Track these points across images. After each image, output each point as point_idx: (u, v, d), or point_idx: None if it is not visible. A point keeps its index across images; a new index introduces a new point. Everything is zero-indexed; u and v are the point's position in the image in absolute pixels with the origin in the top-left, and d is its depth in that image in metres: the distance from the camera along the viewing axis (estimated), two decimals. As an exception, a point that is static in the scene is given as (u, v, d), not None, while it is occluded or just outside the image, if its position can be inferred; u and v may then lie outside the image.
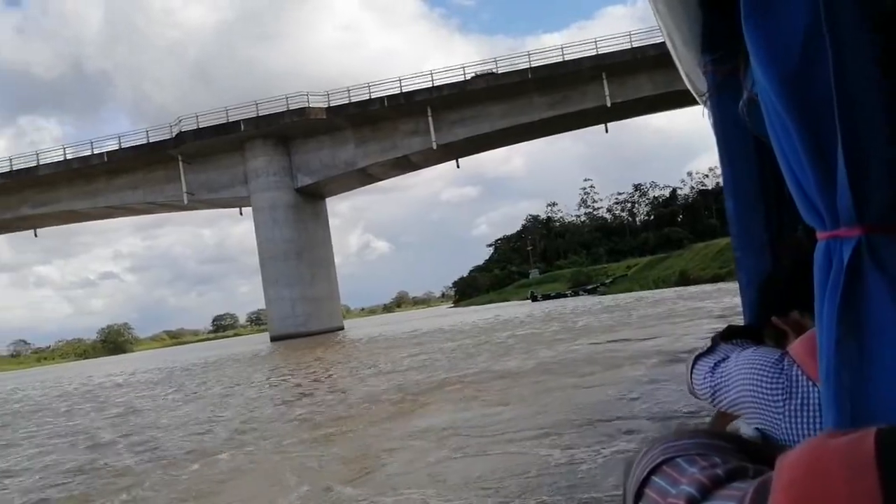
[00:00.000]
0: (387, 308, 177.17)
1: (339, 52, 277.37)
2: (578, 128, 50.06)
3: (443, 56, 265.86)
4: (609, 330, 16.53)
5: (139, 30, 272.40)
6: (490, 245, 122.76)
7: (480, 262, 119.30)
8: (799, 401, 0.98)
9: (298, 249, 44.98)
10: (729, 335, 1.34)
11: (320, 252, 47.92)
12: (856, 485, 0.38)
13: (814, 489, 0.39)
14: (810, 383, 0.97)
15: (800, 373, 0.99)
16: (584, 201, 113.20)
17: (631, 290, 49.66)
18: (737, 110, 1.83)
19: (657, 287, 46.98)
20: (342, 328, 49.30)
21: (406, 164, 48.34)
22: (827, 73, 0.57)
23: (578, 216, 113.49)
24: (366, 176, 48.06)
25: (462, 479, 4.98)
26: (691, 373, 1.31)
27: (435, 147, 44.02)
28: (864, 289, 0.59)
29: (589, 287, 63.33)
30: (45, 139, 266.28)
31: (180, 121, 45.23)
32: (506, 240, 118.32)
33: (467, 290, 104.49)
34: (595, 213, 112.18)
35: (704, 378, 1.23)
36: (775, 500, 0.41)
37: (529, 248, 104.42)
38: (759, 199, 2.05)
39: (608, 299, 39.96)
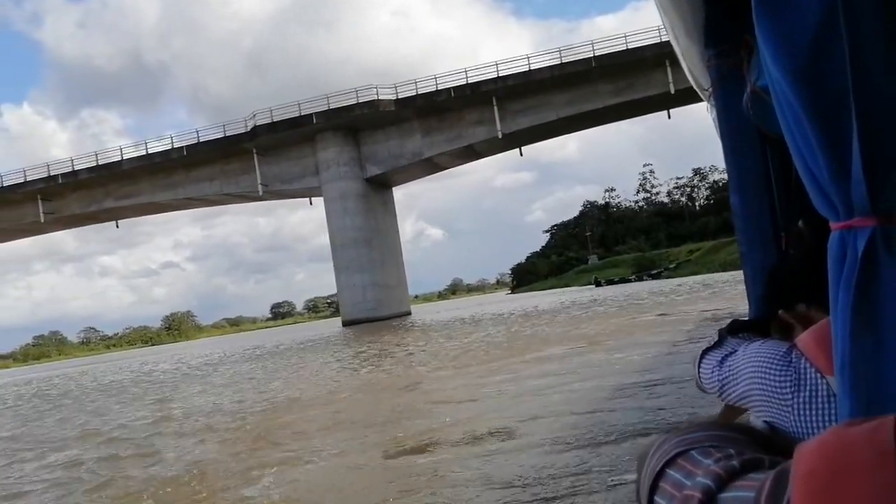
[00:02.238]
0: (441, 295, 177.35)
1: (392, 38, 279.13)
2: (642, 114, 50.30)
3: (496, 41, 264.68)
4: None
5: (195, 20, 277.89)
6: (546, 231, 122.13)
7: (535, 248, 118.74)
8: (807, 393, 0.98)
9: (368, 237, 46.32)
10: (735, 329, 1.35)
11: (388, 240, 49.36)
12: (877, 472, 0.38)
13: (834, 477, 0.39)
14: (818, 375, 0.97)
15: (808, 365, 0.99)
16: (642, 186, 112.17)
17: (697, 274, 49.77)
18: (741, 104, 1.86)
19: (724, 270, 46.77)
20: (409, 313, 50.68)
21: (471, 154, 49.29)
22: (841, 63, 0.56)
23: (637, 201, 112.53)
24: (432, 165, 49.20)
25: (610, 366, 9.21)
26: (699, 367, 1.32)
27: (500, 136, 44.87)
28: (879, 279, 0.59)
29: (653, 272, 63.47)
30: (107, 131, 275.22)
31: (255, 115, 47.03)
32: (562, 226, 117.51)
33: (526, 277, 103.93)
34: (654, 198, 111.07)
35: (712, 372, 1.24)
36: (795, 489, 0.41)
37: (588, 233, 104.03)
38: (764, 193, 2.08)
39: (682, 283, 40.34)
